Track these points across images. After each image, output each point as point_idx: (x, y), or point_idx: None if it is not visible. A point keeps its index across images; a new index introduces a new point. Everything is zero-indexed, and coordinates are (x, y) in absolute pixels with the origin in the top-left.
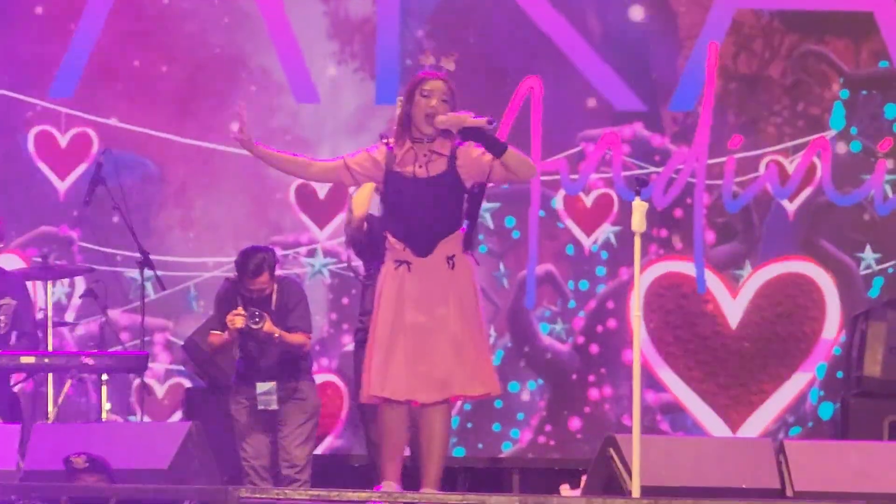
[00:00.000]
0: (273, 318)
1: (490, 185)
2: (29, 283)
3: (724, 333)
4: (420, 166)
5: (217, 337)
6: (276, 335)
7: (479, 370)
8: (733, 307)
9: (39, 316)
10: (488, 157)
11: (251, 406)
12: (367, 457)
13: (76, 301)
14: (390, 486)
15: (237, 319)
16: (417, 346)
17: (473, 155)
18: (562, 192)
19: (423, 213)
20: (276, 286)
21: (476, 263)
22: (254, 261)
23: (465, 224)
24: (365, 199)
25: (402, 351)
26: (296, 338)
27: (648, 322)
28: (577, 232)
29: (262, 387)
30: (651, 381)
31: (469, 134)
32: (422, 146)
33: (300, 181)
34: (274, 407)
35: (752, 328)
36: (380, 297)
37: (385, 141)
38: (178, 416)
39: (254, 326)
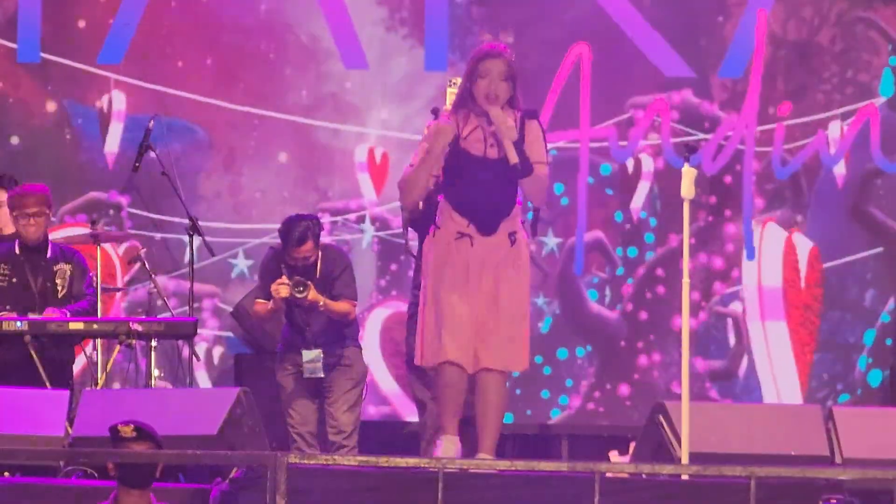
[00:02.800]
0: (318, 286)
1: None
2: None
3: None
4: (491, 145)
5: (262, 306)
6: (321, 303)
7: (511, 345)
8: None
9: None
10: (536, 147)
11: (297, 373)
12: (419, 418)
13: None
14: (450, 440)
15: (281, 288)
16: (478, 316)
17: (534, 135)
18: (611, 159)
19: (491, 193)
20: (320, 254)
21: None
22: (298, 229)
23: (530, 207)
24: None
25: (466, 318)
26: (341, 306)
27: None
28: (626, 199)
29: (307, 354)
30: (701, 348)
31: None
32: (487, 121)
33: (367, 144)
34: (320, 374)
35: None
36: (441, 265)
37: (438, 113)
38: (226, 382)
39: (298, 295)
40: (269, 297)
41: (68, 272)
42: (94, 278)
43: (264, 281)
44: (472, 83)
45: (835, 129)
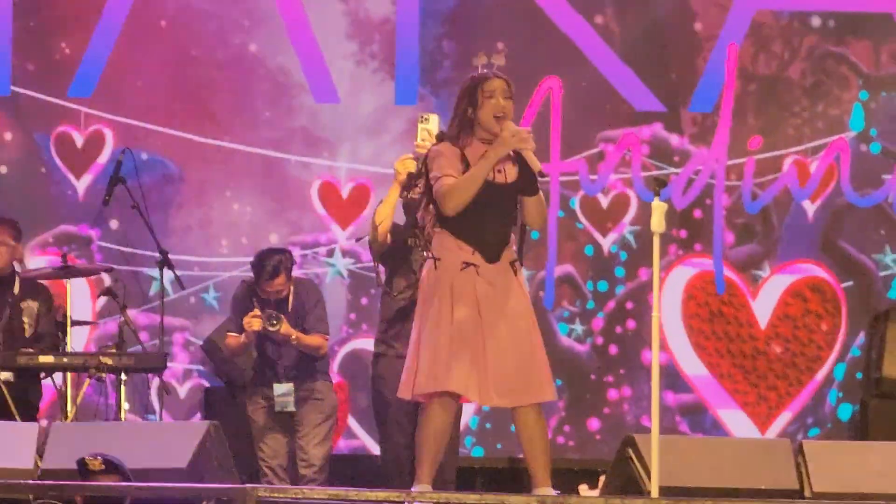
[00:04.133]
0: (290, 319)
1: None
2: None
3: (753, 334)
4: (499, 171)
5: (234, 339)
6: (293, 337)
7: (547, 377)
8: (755, 308)
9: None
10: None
11: (268, 407)
12: (383, 458)
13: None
14: (425, 489)
15: (254, 321)
16: (498, 348)
17: (537, 165)
18: (581, 193)
19: (499, 219)
20: (292, 288)
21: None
22: (270, 263)
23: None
24: (389, 212)
25: (483, 351)
26: (313, 339)
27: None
28: (596, 232)
29: (279, 388)
30: (671, 382)
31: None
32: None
33: (323, 179)
34: (291, 408)
35: (779, 329)
36: (445, 295)
37: (439, 140)
38: (196, 416)
39: (270, 328)
40: (241, 330)
41: (35, 310)
42: (61, 314)
43: (236, 314)
44: (476, 107)
45: (805, 164)
